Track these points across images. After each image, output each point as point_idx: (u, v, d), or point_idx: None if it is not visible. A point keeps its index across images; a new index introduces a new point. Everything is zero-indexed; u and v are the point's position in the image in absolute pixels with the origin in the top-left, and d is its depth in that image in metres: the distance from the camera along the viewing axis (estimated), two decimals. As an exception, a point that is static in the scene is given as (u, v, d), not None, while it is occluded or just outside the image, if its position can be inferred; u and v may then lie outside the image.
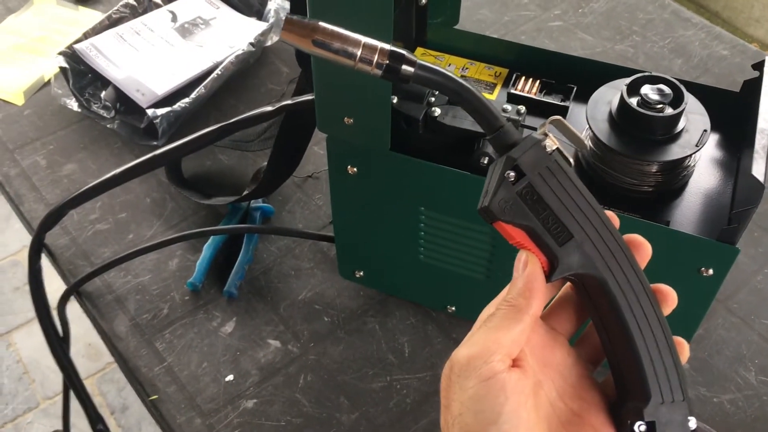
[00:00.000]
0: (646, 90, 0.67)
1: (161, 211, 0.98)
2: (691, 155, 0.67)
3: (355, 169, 0.75)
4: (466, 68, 0.83)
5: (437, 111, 0.72)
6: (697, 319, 0.72)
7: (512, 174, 0.39)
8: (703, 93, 0.72)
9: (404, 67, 0.38)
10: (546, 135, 0.40)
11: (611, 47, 1.18)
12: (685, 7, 1.24)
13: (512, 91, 0.79)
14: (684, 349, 0.43)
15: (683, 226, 0.68)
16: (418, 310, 0.88)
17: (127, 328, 0.87)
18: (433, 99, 0.73)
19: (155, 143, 1.04)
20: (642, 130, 0.67)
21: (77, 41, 1.11)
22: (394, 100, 0.73)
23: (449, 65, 0.83)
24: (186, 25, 1.17)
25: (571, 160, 0.41)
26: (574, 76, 0.79)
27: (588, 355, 0.46)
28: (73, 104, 1.10)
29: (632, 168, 0.68)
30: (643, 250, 0.43)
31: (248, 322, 0.88)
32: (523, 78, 0.80)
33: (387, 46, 0.39)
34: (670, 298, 0.43)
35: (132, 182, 0.94)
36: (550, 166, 0.40)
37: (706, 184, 0.71)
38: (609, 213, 0.42)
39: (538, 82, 0.79)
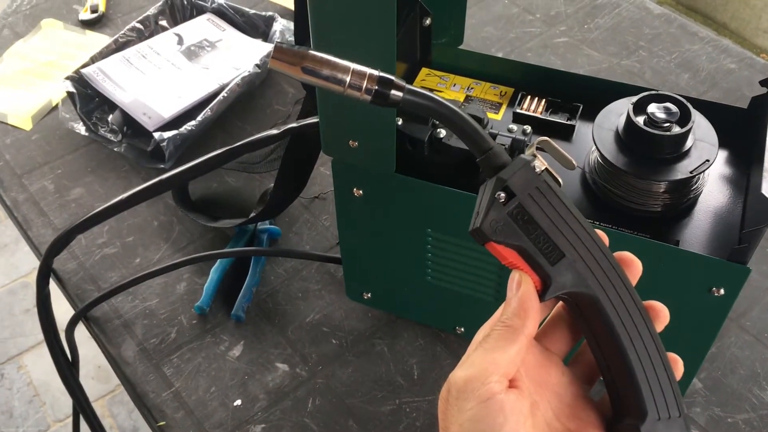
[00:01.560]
0: (653, 108, 0.67)
1: (168, 235, 0.98)
2: (699, 174, 0.66)
3: (360, 192, 0.75)
4: (472, 88, 0.83)
5: (442, 132, 0.72)
6: (709, 339, 0.71)
7: (502, 195, 0.39)
8: (711, 110, 0.71)
9: (393, 92, 0.39)
10: (534, 156, 0.41)
11: (617, 63, 1.18)
12: (692, 18, 1.24)
13: (518, 110, 0.78)
14: (678, 365, 0.43)
15: (693, 245, 0.67)
16: (427, 332, 0.87)
17: (134, 353, 0.87)
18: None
19: (162, 166, 1.04)
20: (649, 149, 0.67)
21: (84, 65, 1.12)
22: (399, 122, 0.73)
23: (454, 85, 0.83)
24: (192, 48, 1.17)
25: (560, 180, 0.41)
26: (580, 95, 0.78)
27: (583, 374, 0.46)
28: (81, 128, 1.10)
29: (640, 188, 0.68)
30: (634, 267, 0.43)
31: (256, 346, 0.87)
32: (529, 97, 0.79)
33: (376, 72, 0.40)
34: (662, 314, 0.43)
35: (139, 206, 0.94)
36: (539, 187, 0.40)
37: (716, 202, 0.70)
38: (599, 231, 0.42)
39: (543, 101, 0.79)
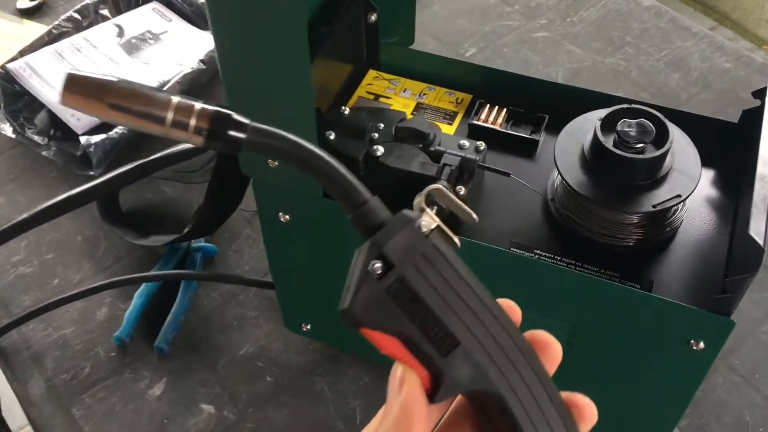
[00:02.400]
0: (624, 126, 0.56)
1: (93, 252, 0.88)
2: (677, 204, 0.56)
3: (287, 217, 0.65)
4: (424, 94, 0.72)
5: (380, 150, 0.61)
6: (687, 396, 0.61)
7: (378, 265, 0.30)
8: (696, 124, 0.61)
9: (232, 132, 0.31)
10: (423, 210, 0.32)
11: (601, 60, 1.07)
12: (692, 8, 1.13)
13: (474, 121, 0.68)
14: None
15: (670, 287, 0.57)
16: (374, 369, 0.77)
17: (42, 391, 0.77)
18: (376, 135, 0.63)
19: (92, 173, 0.94)
20: (619, 174, 0.56)
21: (11, 60, 1.01)
22: (331, 137, 0.63)
23: (404, 90, 0.72)
24: (133, 41, 1.07)
25: (457, 241, 0.32)
26: (547, 104, 0.68)
27: None
28: (7, 129, 1.00)
29: (608, 219, 0.58)
30: (551, 351, 0.34)
31: (180, 383, 0.77)
32: (488, 106, 0.69)
33: (208, 107, 0.31)
34: (587, 412, 0.34)
35: (63, 218, 0.83)
36: (426, 253, 0.31)
37: (698, 233, 0.60)
38: (506, 303, 0.34)
39: (504, 110, 0.68)
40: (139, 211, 0.93)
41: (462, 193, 0.60)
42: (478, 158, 0.61)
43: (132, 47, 1.06)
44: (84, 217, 0.91)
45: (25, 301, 0.84)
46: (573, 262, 0.59)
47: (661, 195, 0.56)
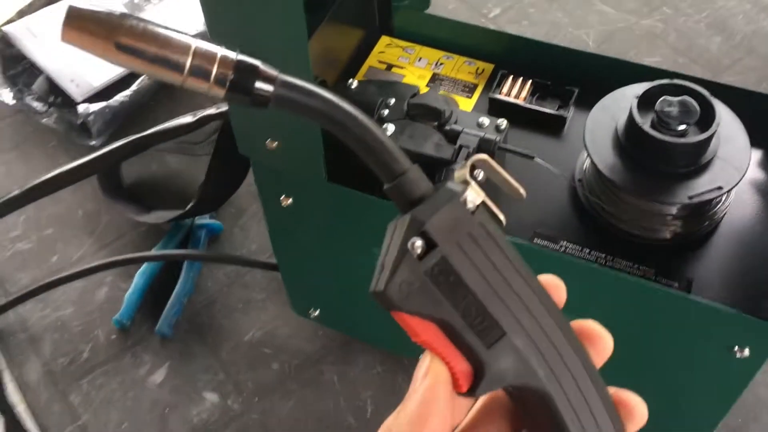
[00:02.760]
0: (664, 105, 0.50)
1: (93, 227, 0.84)
2: (723, 194, 0.50)
3: (290, 201, 0.59)
4: (441, 63, 0.66)
5: (390, 129, 0.56)
6: (727, 403, 0.55)
7: (419, 243, 0.27)
8: (742, 98, 0.55)
9: (259, 84, 0.27)
10: (467, 183, 0.28)
11: (636, 22, 0.99)
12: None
13: (495, 95, 0.62)
14: None
15: (711, 286, 0.51)
16: (387, 357, 0.73)
17: (39, 376, 0.73)
18: (386, 112, 0.57)
19: (93, 143, 0.89)
20: (657, 161, 0.50)
21: (9, 21, 0.96)
22: (338, 114, 0.57)
23: (419, 60, 0.66)
24: (136, 1, 1.01)
25: (503, 218, 0.29)
26: (576, 76, 0.61)
27: None
28: (7, 95, 0.95)
29: (644, 210, 0.52)
30: (601, 344, 0.31)
31: (182, 369, 0.73)
32: (511, 78, 0.63)
33: (232, 54, 0.27)
34: (637, 412, 0.31)
35: (64, 191, 0.79)
36: (473, 232, 0.28)
37: (743, 224, 0.54)
38: (550, 279, 0.30)
39: (529, 83, 0.62)
40: (142, 183, 0.88)
41: (480, 178, 0.54)
42: (498, 139, 0.55)
43: (135, 7, 1.00)
44: (86, 189, 0.87)
45: (22, 279, 0.80)
46: (603, 255, 0.53)
47: (701, 184, 0.50)
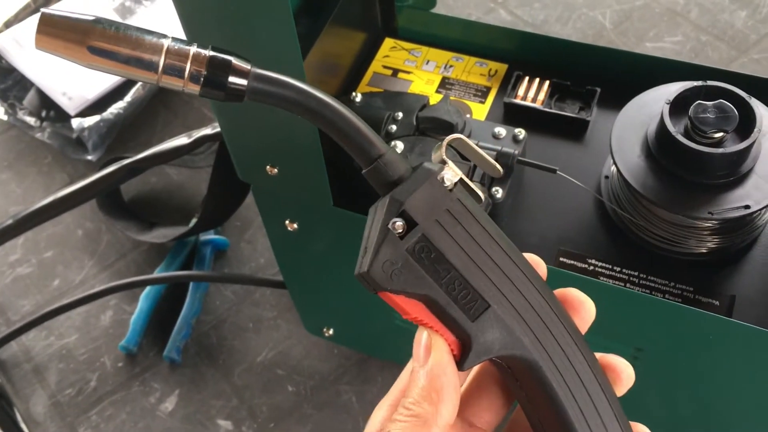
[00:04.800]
0: (698, 111, 0.45)
1: (94, 247, 0.81)
2: (757, 212, 0.46)
3: (295, 226, 0.56)
4: (451, 66, 0.62)
5: (399, 146, 0.52)
6: (774, 425, 0.51)
7: (399, 223, 0.28)
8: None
9: (233, 79, 0.28)
10: (444, 162, 0.30)
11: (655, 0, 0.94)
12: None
13: (511, 99, 0.57)
14: None
15: (754, 303, 0.47)
16: (405, 375, 0.69)
17: (46, 409, 0.71)
18: (394, 128, 0.53)
19: (90, 157, 0.86)
20: (691, 171, 0.46)
21: (-4, 33, 0.92)
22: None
23: (427, 62, 0.62)
24: (127, 4, 0.96)
25: (481, 194, 0.30)
26: (598, 75, 0.57)
27: None
28: (-1, 110, 0.92)
29: (678, 224, 0.47)
30: (583, 311, 0.32)
31: (194, 396, 0.70)
32: (527, 79, 0.58)
33: (205, 51, 0.27)
34: (623, 374, 0.32)
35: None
36: (451, 209, 0.29)
37: (787, 233, 0.50)
38: (531, 257, 0.31)
39: (547, 84, 0.58)
40: (143, 198, 0.85)
41: (498, 195, 0.50)
42: (516, 151, 0.51)
43: (126, 11, 0.96)
44: (84, 208, 0.83)
45: (24, 306, 0.77)
46: (635, 273, 0.49)
47: (746, 193, 0.46)
